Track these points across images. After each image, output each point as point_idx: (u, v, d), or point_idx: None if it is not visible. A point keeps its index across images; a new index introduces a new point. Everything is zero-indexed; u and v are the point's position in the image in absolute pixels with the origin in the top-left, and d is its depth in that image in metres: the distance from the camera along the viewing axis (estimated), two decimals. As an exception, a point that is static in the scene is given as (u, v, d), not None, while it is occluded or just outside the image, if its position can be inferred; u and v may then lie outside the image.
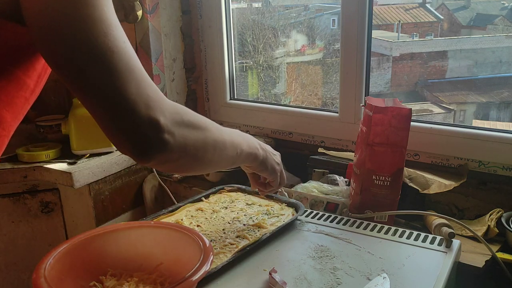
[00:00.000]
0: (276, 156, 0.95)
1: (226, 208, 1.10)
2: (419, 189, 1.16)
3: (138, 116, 0.56)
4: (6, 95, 0.61)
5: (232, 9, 1.63)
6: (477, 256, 1.02)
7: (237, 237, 0.96)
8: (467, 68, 2.02)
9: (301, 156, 1.43)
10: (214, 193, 1.18)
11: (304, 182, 1.25)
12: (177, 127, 0.61)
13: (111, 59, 0.55)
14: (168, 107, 0.60)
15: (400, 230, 1.01)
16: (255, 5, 1.95)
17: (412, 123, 1.07)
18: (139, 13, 1.44)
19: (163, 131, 0.58)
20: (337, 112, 1.44)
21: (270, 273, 0.83)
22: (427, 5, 2.19)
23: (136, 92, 0.56)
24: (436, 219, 1.06)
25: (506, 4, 1.87)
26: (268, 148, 0.92)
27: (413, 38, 2.25)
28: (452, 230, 0.96)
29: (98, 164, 1.35)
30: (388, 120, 1.05)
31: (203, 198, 1.14)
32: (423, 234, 0.99)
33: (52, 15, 0.52)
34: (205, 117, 0.70)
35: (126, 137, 0.58)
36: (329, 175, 1.26)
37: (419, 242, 0.96)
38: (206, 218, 1.05)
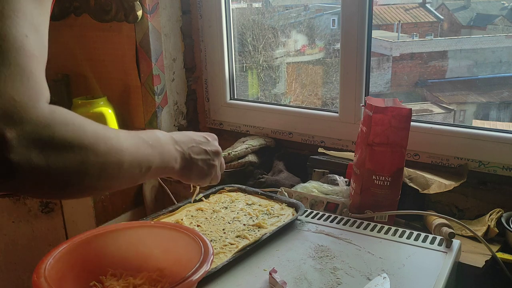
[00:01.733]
0: (207, 161, 0.80)
1: (226, 208, 1.10)
2: (419, 189, 1.16)
3: None
4: None
5: (232, 9, 1.63)
6: (477, 256, 1.02)
7: (237, 237, 0.96)
8: (467, 68, 2.01)
9: (301, 156, 1.43)
10: (214, 193, 1.18)
11: (304, 182, 1.26)
12: (36, 147, 0.47)
13: None
14: (35, 119, 0.47)
15: (400, 230, 1.01)
16: (255, 5, 1.95)
17: (412, 123, 1.07)
18: (139, 13, 1.44)
19: (10, 151, 0.45)
20: (337, 112, 1.44)
21: (270, 273, 0.83)
22: (427, 5, 2.19)
23: (0, 88, 0.45)
24: (436, 219, 1.06)
25: (506, 4, 1.87)
26: (198, 150, 0.78)
27: (413, 38, 2.25)
28: (452, 230, 0.96)
29: (98, 164, 1.34)
30: (388, 120, 1.05)
31: (203, 198, 1.14)
32: (423, 234, 0.99)
33: None
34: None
35: None
36: (329, 175, 1.26)
37: (419, 242, 0.96)
38: (206, 218, 1.05)
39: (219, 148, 0.84)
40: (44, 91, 0.49)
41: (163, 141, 0.70)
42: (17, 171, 0.46)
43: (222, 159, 0.87)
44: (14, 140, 0.45)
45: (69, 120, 0.51)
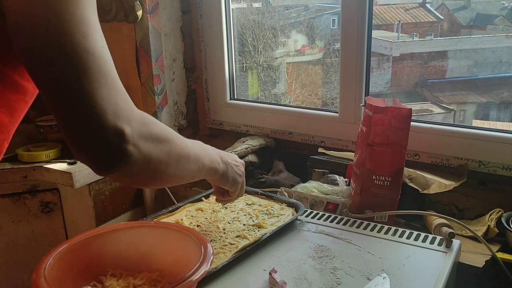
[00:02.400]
0: (239, 167, 0.92)
1: (226, 208, 1.10)
2: (419, 189, 1.16)
3: (103, 123, 0.53)
4: (3, 99, 0.60)
5: (232, 9, 1.62)
6: (477, 256, 1.02)
7: (237, 237, 0.96)
8: (467, 68, 2.01)
9: (301, 156, 1.43)
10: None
11: (304, 182, 1.25)
12: (143, 139, 0.58)
13: (85, 60, 0.52)
14: (136, 118, 0.57)
15: (400, 230, 1.01)
16: (255, 5, 1.95)
17: (412, 123, 1.07)
18: (139, 13, 1.44)
19: (128, 142, 0.55)
20: (337, 112, 1.44)
21: (270, 273, 0.83)
22: (427, 5, 2.19)
23: (106, 98, 0.53)
24: (436, 219, 1.06)
25: (506, 4, 1.87)
26: (230, 158, 0.90)
27: (413, 38, 2.25)
28: (452, 230, 0.96)
29: (98, 164, 1.34)
30: (388, 120, 1.05)
31: (203, 198, 1.14)
32: (423, 234, 0.99)
33: (32, 8, 0.51)
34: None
35: (88, 144, 0.54)
36: (329, 175, 1.26)
37: (419, 242, 0.96)
38: (206, 218, 1.05)
39: (243, 162, 0.96)
40: (128, 96, 0.58)
41: (207, 147, 0.82)
42: (131, 158, 0.56)
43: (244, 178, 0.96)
44: (129, 134, 0.55)
45: (155, 120, 0.63)
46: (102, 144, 0.54)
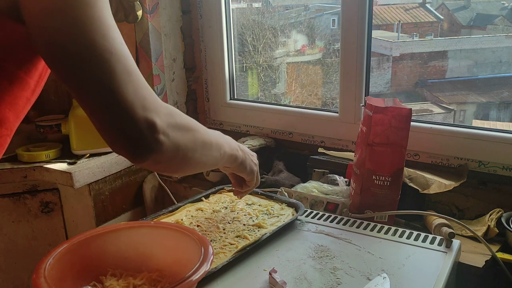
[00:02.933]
0: (253, 157, 0.97)
1: (226, 208, 1.10)
2: (419, 189, 1.16)
3: (135, 117, 0.57)
4: (9, 96, 0.61)
5: (232, 9, 1.62)
6: (477, 256, 1.02)
7: (237, 237, 0.96)
8: (467, 68, 2.01)
9: (301, 156, 1.43)
10: (214, 193, 1.18)
11: (304, 182, 1.25)
12: (171, 128, 0.62)
13: (109, 61, 0.55)
14: (162, 109, 0.61)
15: (400, 230, 1.01)
16: (255, 5, 1.95)
17: (412, 123, 1.07)
18: (139, 13, 1.44)
19: (159, 132, 0.59)
20: (337, 112, 1.43)
21: (270, 273, 0.83)
22: (427, 5, 2.19)
23: (134, 93, 0.57)
24: (436, 219, 1.06)
25: (506, 4, 1.87)
26: (246, 149, 0.94)
27: (413, 38, 2.25)
28: (452, 230, 0.96)
29: (98, 164, 1.35)
30: (388, 120, 1.05)
31: (203, 198, 1.14)
32: (423, 234, 0.99)
33: (51, 14, 0.52)
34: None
35: (123, 138, 0.58)
36: (329, 175, 1.26)
37: (419, 242, 0.96)
38: (206, 218, 1.05)
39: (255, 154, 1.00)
40: (151, 89, 0.61)
41: (225, 135, 0.85)
42: (163, 146, 0.60)
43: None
44: (159, 125, 0.59)
45: (178, 111, 0.67)
46: (136, 135, 0.58)
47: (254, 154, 0.99)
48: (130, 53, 0.59)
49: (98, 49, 0.54)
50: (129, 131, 0.58)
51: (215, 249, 0.90)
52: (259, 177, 1.01)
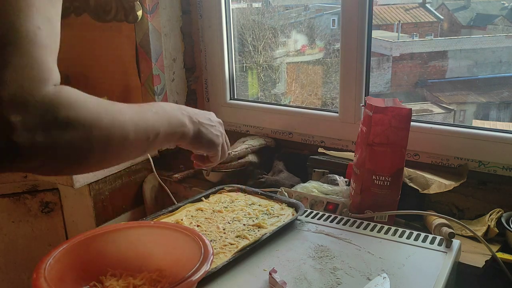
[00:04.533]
0: (214, 127, 0.81)
1: (226, 208, 1.10)
2: (419, 189, 1.16)
3: None
4: None
5: (232, 9, 1.62)
6: (477, 256, 1.02)
7: (237, 237, 0.96)
8: (467, 68, 2.01)
9: (301, 156, 1.43)
10: (214, 193, 1.18)
11: (304, 182, 1.25)
12: (41, 128, 0.49)
13: (4, 34, 0.48)
14: (40, 102, 0.49)
15: (400, 230, 1.01)
16: (255, 5, 1.95)
17: (412, 123, 1.07)
18: (139, 13, 1.44)
19: (16, 133, 0.48)
20: (337, 112, 1.44)
21: (270, 273, 0.83)
22: (427, 5, 2.19)
23: (9, 79, 0.48)
24: (436, 219, 1.06)
25: (506, 4, 1.87)
26: (203, 117, 0.79)
27: (413, 38, 2.25)
28: (452, 230, 0.96)
29: (98, 164, 1.34)
30: (388, 120, 1.05)
31: (203, 198, 1.14)
32: (423, 234, 0.99)
33: None
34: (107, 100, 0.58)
35: None
36: (329, 175, 1.26)
37: (419, 242, 0.96)
38: (206, 218, 1.05)
39: (220, 120, 0.86)
40: (52, 75, 0.52)
41: (168, 108, 0.71)
42: (22, 151, 0.49)
43: (226, 134, 0.86)
44: (18, 123, 0.47)
45: (73, 99, 0.54)
46: None
47: (218, 123, 0.83)
48: (50, 45, 0.52)
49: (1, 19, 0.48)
50: None
51: (215, 249, 0.90)
52: (226, 148, 0.86)
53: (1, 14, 0.48)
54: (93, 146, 0.55)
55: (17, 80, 0.48)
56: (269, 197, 1.14)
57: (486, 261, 0.99)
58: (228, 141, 0.88)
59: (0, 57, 0.48)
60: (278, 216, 1.05)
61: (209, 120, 0.81)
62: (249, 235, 0.96)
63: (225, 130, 1.69)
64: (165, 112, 0.70)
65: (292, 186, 1.24)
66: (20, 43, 0.49)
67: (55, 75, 0.53)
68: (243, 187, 1.20)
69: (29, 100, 0.48)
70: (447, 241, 0.95)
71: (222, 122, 0.86)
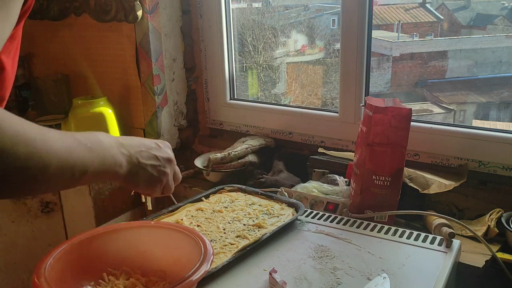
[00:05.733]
0: (158, 168, 0.75)
1: (226, 208, 1.10)
2: (419, 189, 1.16)
3: None
4: None
5: (232, 9, 1.63)
6: (477, 256, 1.02)
7: (237, 237, 0.96)
8: (467, 68, 2.01)
9: (301, 156, 1.43)
10: (214, 193, 1.18)
11: (304, 182, 1.25)
12: None
13: None
14: None
15: (400, 230, 1.01)
16: (255, 5, 1.95)
17: (412, 123, 1.07)
18: (139, 13, 1.44)
19: None
20: (337, 112, 1.44)
21: (270, 273, 0.83)
22: (427, 5, 2.19)
23: None
24: (436, 219, 1.06)
25: (506, 4, 1.87)
26: (147, 156, 0.73)
27: (413, 38, 2.25)
28: (452, 230, 0.96)
29: (98, 164, 1.34)
30: (388, 120, 1.05)
31: (203, 198, 1.14)
32: (423, 234, 0.99)
33: None
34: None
35: None
36: (329, 175, 1.26)
37: (419, 242, 0.96)
38: (206, 218, 1.05)
39: (172, 156, 0.79)
40: None
41: (106, 144, 0.66)
42: None
43: (177, 169, 0.82)
44: None
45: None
46: None
47: (164, 162, 0.76)
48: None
49: None
50: None
51: (215, 249, 0.90)
52: (172, 185, 0.81)
53: None
54: (7, 177, 0.51)
55: None
56: (269, 197, 1.14)
57: (486, 261, 0.99)
58: (178, 175, 0.83)
59: None
60: (278, 216, 1.05)
61: (154, 159, 0.74)
62: (249, 235, 0.96)
63: (225, 130, 1.70)
64: (101, 149, 0.64)
65: (292, 186, 1.24)
66: None
67: None
68: (243, 187, 1.20)
69: None
70: (447, 241, 0.95)
71: (172, 158, 0.79)
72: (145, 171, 0.72)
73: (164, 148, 0.78)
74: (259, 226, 1.00)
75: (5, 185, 0.52)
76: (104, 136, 0.66)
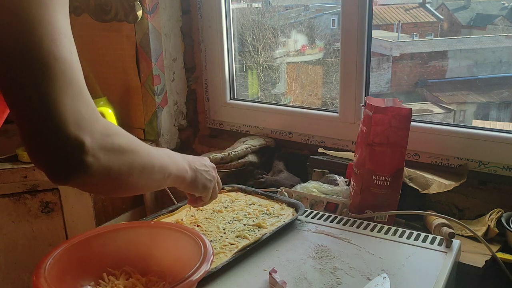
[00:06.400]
0: (209, 172, 0.91)
1: (226, 208, 1.10)
2: (419, 189, 1.16)
3: (64, 132, 0.53)
4: None
5: (232, 9, 1.62)
6: (477, 256, 1.02)
7: (237, 237, 0.96)
8: (467, 68, 2.01)
9: (301, 156, 1.43)
10: (214, 193, 1.18)
11: (304, 182, 1.25)
12: (104, 151, 0.57)
13: (51, 67, 0.52)
14: (99, 129, 0.57)
15: (400, 230, 1.01)
16: (255, 5, 1.95)
17: (412, 123, 1.07)
18: (139, 13, 1.44)
19: (87, 153, 0.55)
20: (337, 112, 1.44)
21: (270, 273, 0.83)
22: (427, 5, 2.19)
23: (70, 106, 0.53)
24: (436, 219, 1.06)
25: (506, 4, 1.87)
26: (199, 164, 0.88)
27: (413, 38, 2.25)
28: (452, 230, 0.96)
29: (98, 164, 1.34)
30: (388, 120, 1.05)
31: (203, 198, 1.14)
32: (423, 234, 0.99)
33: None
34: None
35: (45, 152, 0.54)
36: (329, 175, 1.26)
37: (419, 242, 0.96)
38: (206, 218, 1.05)
39: (214, 165, 0.95)
40: (94, 105, 0.58)
41: (175, 155, 0.81)
42: (90, 169, 0.56)
43: (218, 177, 0.96)
44: (89, 145, 0.55)
45: (119, 131, 0.63)
46: (60, 153, 0.54)
47: (212, 168, 0.93)
48: (80, 67, 0.57)
49: (42, 52, 0.51)
50: (54, 147, 0.53)
51: (215, 249, 0.90)
52: (217, 190, 0.96)
53: (37, 46, 0.51)
54: (132, 172, 0.64)
55: (75, 106, 0.54)
56: (269, 197, 1.14)
57: (486, 261, 0.99)
58: (220, 181, 0.97)
59: (56, 87, 0.52)
60: (278, 216, 1.05)
61: (204, 166, 0.90)
62: (249, 235, 0.96)
63: (225, 130, 1.70)
64: (174, 157, 0.79)
65: (292, 186, 1.24)
66: (66, 71, 0.53)
67: (95, 105, 0.59)
68: (243, 187, 1.20)
69: (92, 127, 0.55)
70: (447, 241, 0.95)
71: (215, 166, 0.95)
72: (201, 175, 0.88)
73: (206, 160, 0.93)
74: (259, 226, 1.00)
75: (130, 179, 0.65)
76: (169, 150, 0.81)
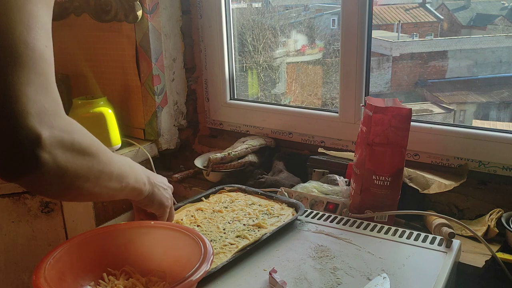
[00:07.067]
0: (167, 191, 0.88)
1: (226, 208, 1.10)
2: (419, 189, 1.16)
3: (20, 123, 0.49)
4: None
5: (232, 9, 1.63)
6: (477, 256, 1.02)
7: (237, 237, 0.96)
8: (467, 68, 2.01)
9: (301, 156, 1.43)
10: (214, 193, 1.18)
11: (304, 182, 1.25)
12: (62, 149, 0.53)
13: (21, 53, 0.50)
14: (60, 124, 0.53)
15: (400, 230, 1.01)
16: (255, 5, 1.95)
17: (412, 123, 1.07)
18: (139, 13, 1.44)
19: (43, 148, 0.51)
20: (337, 112, 1.44)
21: (270, 273, 0.83)
22: (427, 5, 2.19)
23: (32, 97, 0.50)
24: (436, 219, 1.06)
25: (506, 4, 1.87)
26: (158, 180, 0.85)
27: (413, 38, 2.25)
28: (452, 230, 0.96)
29: (98, 164, 1.34)
30: (388, 120, 1.05)
31: (203, 198, 1.14)
32: (423, 234, 0.99)
33: None
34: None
35: None
36: (329, 175, 1.26)
37: (419, 242, 0.96)
38: (206, 218, 1.05)
39: (172, 186, 0.92)
40: (60, 101, 0.55)
41: (136, 166, 0.78)
42: (43, 167, 0.52)
43: (174, 200, 0.94)
44: (47, 140, 0.51)
45: (82, 130, 0.59)
46: (12, 144, 0.49)
47: (169, 188, 0.90)
48: (53, 63, 0.55)
49: (13, 37, 0.49)
50: (6, 136, 0.49)
51: (215, 249, 0.90)
52: (173, 212, 0.93)
53: (11, 30, 0.50)
54: (89, 177, 0.60)
55: (39, 99, 0.51)
56: (269, 197, 1.14)
57: (486, 261, 0.99)
58: (173, 210, 0.93)
59: (21, 74, 0.50)
60: (278, 216, 1.05)
61: (163, 184, 0.87)
62: (249, 235, 0.96)
63: (225, 130, 1.70)
64: (134, 168, 0.76)
65: (292, 186, 1.24)
66: (36, 61, 0.51)
67: (60, 100, 0.57)
68: (243, 187, 1.20)
69: (53, 122, 0.52)
70: (447, 241, 0.95)
71: (172, 187, 0.92)
72: (159, 191, 0.84)
73: (165, 179, 0.90)
74: (259, 226, 1.00)
75: (86, 185, 0.60)
76: (131, 160, 0.77)
